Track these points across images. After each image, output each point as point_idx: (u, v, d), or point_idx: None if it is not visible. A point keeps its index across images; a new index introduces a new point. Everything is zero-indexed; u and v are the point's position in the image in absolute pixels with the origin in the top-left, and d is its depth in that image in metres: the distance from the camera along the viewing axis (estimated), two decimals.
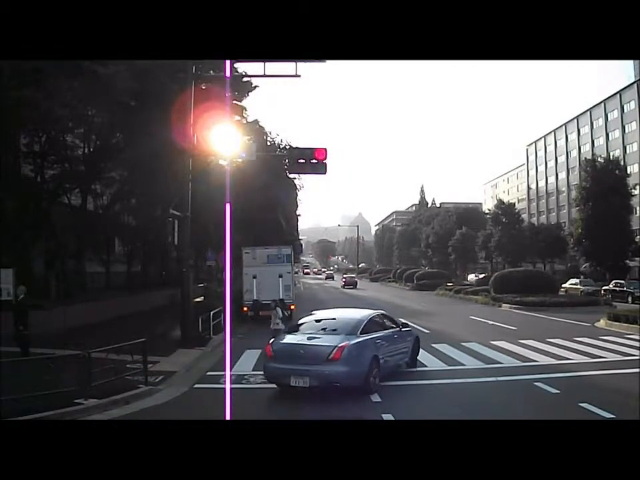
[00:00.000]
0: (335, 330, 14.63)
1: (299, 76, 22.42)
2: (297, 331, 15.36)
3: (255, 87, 35.92)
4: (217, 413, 12.87)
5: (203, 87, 29.24)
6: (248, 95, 37.16)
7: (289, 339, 14.94)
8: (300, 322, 16.29)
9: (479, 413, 12.07)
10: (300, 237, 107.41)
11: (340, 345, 13.53)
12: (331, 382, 13.40)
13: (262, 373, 15.37)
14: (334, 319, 15.88)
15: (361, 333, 14.47)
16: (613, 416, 11.32)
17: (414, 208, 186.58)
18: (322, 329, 14.83)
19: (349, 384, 13.62)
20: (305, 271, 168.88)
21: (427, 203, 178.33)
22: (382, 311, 17.89)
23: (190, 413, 13.05)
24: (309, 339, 14.33)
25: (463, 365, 18.18)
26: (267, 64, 22.35)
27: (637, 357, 18.76)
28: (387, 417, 11.74)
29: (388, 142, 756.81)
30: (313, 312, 17.60)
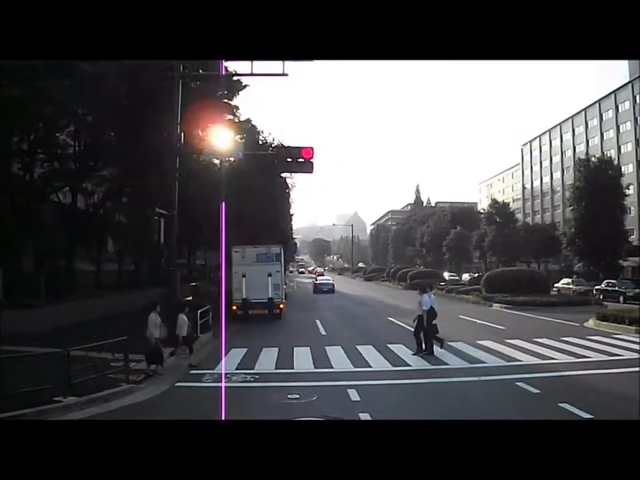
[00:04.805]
0: None
1: (286, 74, 22.45)
2: None
3: (245, 85, 35.92)
4: (195, 411, 12.99)
5: (193, 86, 29.30)
6: (238, 94, 37.11)
7: None
8: None
9: (457, 413, 12.07)
10: (294, 236, 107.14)
11: None
12: None
13: (246, 371, 15.38)
14: None
15: None
16: (591, 416, 11.30)
17: (409, 207, 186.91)
18: None
19: None
20: (300, 270, 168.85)
21: (422, 203, 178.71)
22: None
23: (168, 411, 13.07)
24: None
25: (447, 364, 18.17)
26: (254, 62, 22.37)
27: (622, 357, 18.87)
28: (364, 416, 11.74)
29: (384, 141, 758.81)
30: None
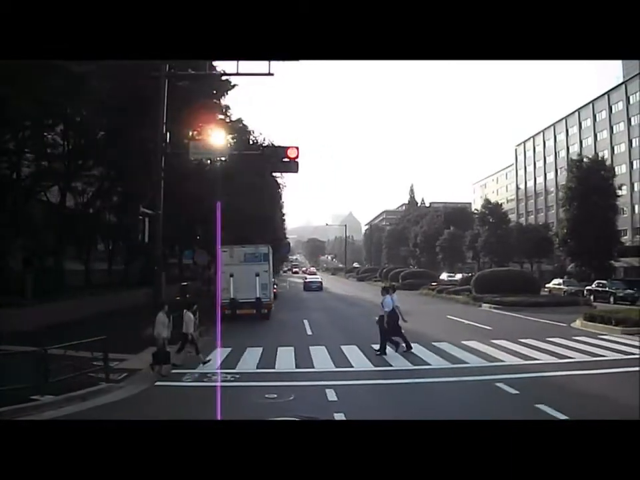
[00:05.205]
0: None
1: (271, 74, 22.39)
2: None
3: (234, 85, 35.80)
4: (171, 411, 12.95)
5: (181, 85, 29.20)
6: (227, 94, 37.03)
7: None
8: None
9: (432, 413, 12.11)
10: (287, 236, 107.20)
11: None
12: None
13: (227, 371, 15.36)
14: None
15: None
16: (565, 417, 11.27)
17: (404, 207, 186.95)
18: None
19: None
20: (294, 270, 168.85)
21: (417, 203, 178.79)
22: None
23: (143, 410, 13.05)
24: None
25: (429, 364, 18.15)
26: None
27: (605, 358, 18.88)
28: (339, 416, 11.71)
29: (380, 141, 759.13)
30: None
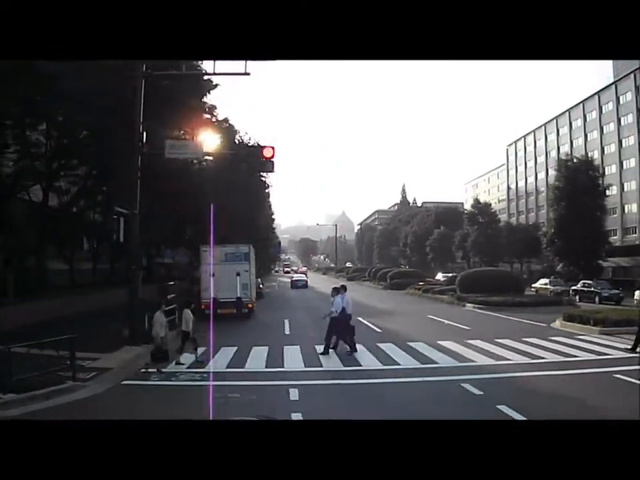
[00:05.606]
0: None
1: (248, 74, 22.45)
2: None
3: (216, 85, 35.66)
4: (134, 410, 12.90)
5: (163, 84, 29.09)
6: (209, 93, 36.86)
7: None
8: None
9: (393, 412, 12.08)
10: (281, 236, 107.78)
11: None
12: None
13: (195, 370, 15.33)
14: None
15: None
16: (523, 418, 11.26)
17: (396, 207, 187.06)
18: None
19: None
20: (286, 269, 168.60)
21: (409, 203, 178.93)
22: None
23: (107, 410, 12.97)
24: None
25: (399, 364, 18.10)
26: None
27: (576, 358, 18.87)
28: (297, 415, 11.65)
29: (374, 141, 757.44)
30: None
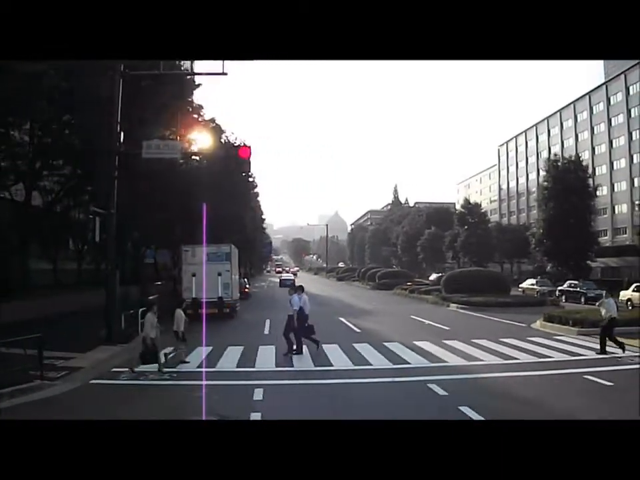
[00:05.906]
0: None
1: (225, 74, 22.38)
2: None
3: (199, 84, 35.65)
4: (100, 409, 12.82)
5: (143, 85, 29.04)
6: (193, 93, 36.84)
7: None
8: None
9: (357, 412, 12.03)
10: (269, 236, 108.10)
11: None
12: None
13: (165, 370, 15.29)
14: None
15: None
16: (481, 418, 11.21)
17: (389, 207, 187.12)
18: None
19: None
20: (277, 269, 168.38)
21: (401, 203, 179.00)
22: None
23: (72, 409, 12.95)
24: None
25: (370, 364, 18.03)
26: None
27: (549, 359, 18.85)
28: (255, 415, 11.60)
29: (367, 141, 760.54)
30: None
